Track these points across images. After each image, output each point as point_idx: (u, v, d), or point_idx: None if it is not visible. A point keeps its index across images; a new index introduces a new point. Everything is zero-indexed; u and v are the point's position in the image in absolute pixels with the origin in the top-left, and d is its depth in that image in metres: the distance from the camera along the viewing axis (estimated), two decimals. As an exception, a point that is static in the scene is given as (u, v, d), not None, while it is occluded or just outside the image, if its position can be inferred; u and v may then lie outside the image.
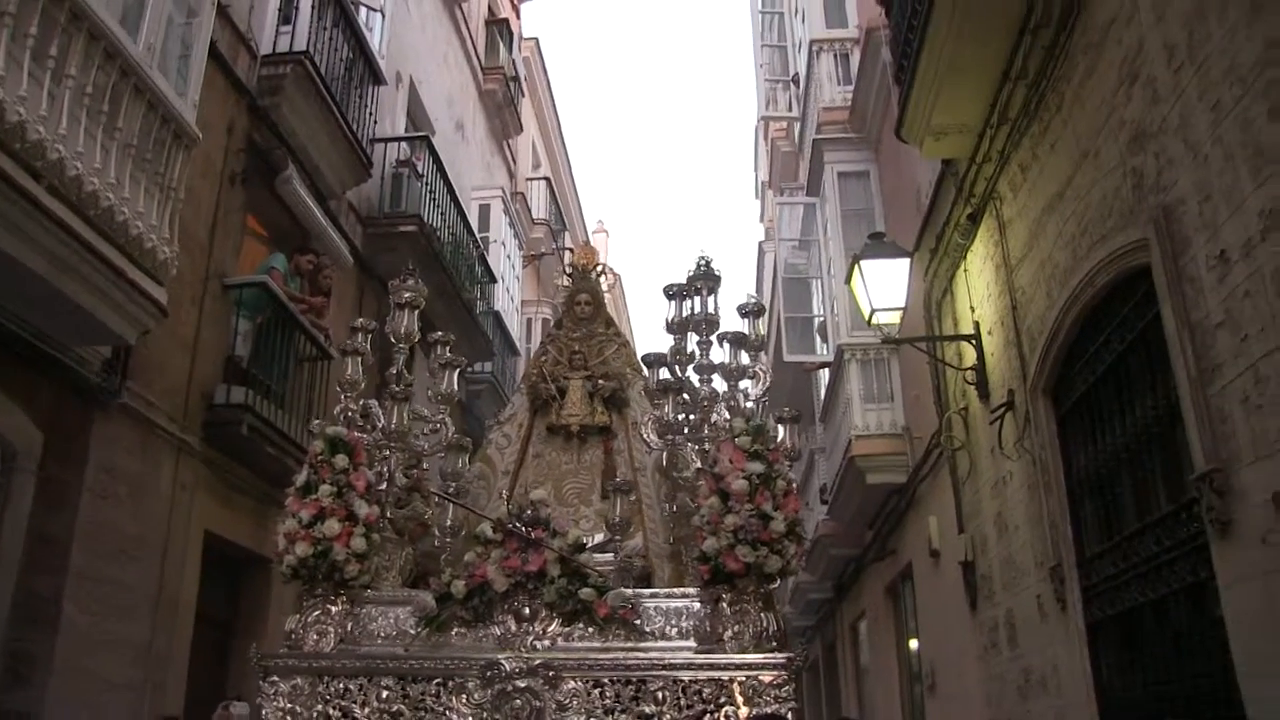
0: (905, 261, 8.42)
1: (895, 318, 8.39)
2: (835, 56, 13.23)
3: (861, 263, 8.36)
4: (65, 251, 5.99)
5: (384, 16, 12.15)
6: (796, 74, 15.13)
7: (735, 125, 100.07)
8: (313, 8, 10.11)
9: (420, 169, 13.18)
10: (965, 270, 8.36)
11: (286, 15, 10.11)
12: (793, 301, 14.08)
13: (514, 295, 18.96)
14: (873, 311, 8.35)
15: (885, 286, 8.32)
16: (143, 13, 6.83)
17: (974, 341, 8.05)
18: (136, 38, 6.68)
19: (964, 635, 8.87)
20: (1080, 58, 5.88)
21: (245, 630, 9.15)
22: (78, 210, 6.00)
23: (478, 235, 16.31)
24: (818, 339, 13.71)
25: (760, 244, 23.35)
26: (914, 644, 11.99)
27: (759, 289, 20.53)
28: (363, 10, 11.62)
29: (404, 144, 13.50)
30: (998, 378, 7.65)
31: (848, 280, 8.93)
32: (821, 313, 13.48)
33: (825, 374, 13.48)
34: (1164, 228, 4.82)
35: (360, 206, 12.29)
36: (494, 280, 16.60)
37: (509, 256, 18.40)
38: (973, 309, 8.19)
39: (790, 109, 16.31)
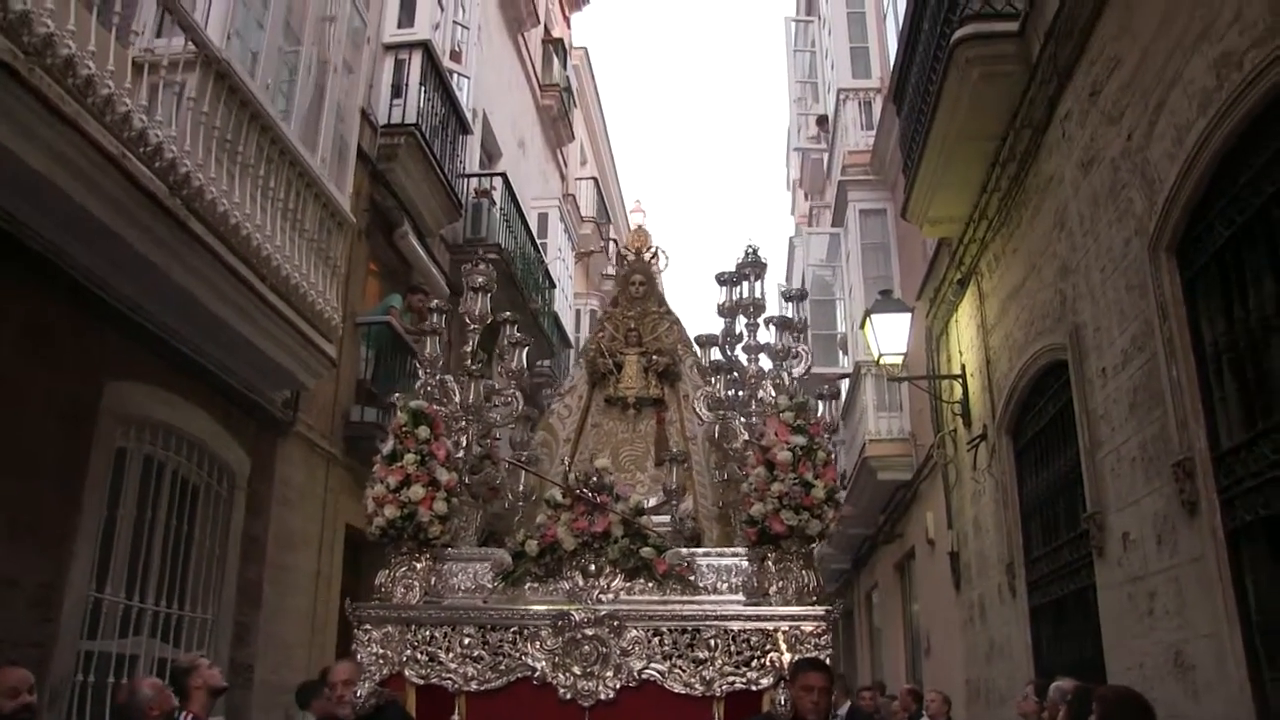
0: (907, 316, 10.49)
1: (899, 359, 10.45)
2: (859, 104, 15.15)
3: (872, 316, 10.43)
4: (269, 323, 8.11)
5: (470, 79, 14.20)
6: (825, 116, 17.04)
7: (769, 117, 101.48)
8: (419, 82, 12.16)
9: (495, 198, 15.26)
10: (957, 320, 10.36)
11: (397, 88, 12.16)
12: (818, 319, 15.99)
13: (568, 294, 20.99)
14: (880, 355, 10.42)
15: (891, 335, 10.39)
16: (319, 130, 8.93)
17: (960, 380, 10.07)
18: (314, 154, 8.75)
19: (951, 610, 10.96)
20: (1034, 194, 7.86)
21: (367, 596, 11.31)
22: (283, 295, 8.12)
23: (537, 241, 18.35)
24: (839, 352, 15.68)
25: (791, 239, 25.03)
26: (916, 609, 14.06)
27: (789, 279, 22.21)
28: (455, 75, 13.66)
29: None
30: (976, 412, 9.67)
31: (861, 326, 10.97)
32: (843, 329, 15.45)
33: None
34: (1075, 340, 6.87)
35: (447, 235, 14.38)
36: (553, 286, 18.67)
37: (564, 260, 20.44)
38: (960, 353, 10.19)
39: (818, 141, 18.19)
